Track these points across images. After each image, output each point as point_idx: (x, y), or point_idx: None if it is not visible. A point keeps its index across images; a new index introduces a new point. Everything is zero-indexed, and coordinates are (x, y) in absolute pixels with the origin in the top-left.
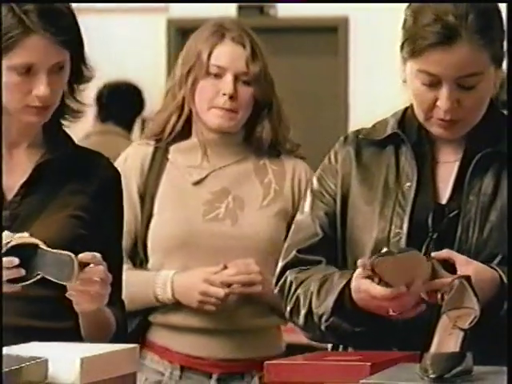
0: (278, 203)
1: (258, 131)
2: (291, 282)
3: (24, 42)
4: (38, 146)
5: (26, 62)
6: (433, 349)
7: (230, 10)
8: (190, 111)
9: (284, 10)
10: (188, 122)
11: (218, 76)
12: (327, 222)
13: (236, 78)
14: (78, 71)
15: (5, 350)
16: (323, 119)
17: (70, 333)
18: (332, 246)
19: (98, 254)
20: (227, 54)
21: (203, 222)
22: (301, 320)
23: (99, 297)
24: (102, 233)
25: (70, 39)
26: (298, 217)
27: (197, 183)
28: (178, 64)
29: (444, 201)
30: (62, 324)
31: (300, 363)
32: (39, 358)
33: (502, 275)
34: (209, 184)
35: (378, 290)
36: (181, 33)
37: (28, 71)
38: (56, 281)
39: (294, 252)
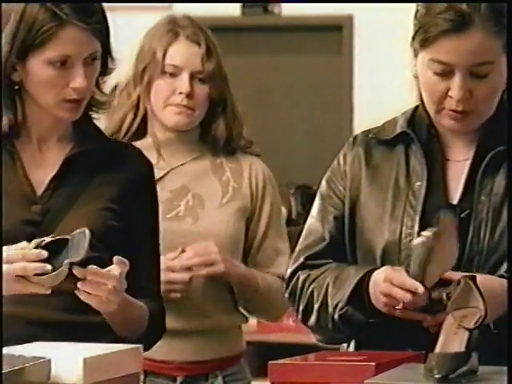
0: (237, 201)
1: (213, 129)
2: (304, 280)
3: (58, 34)
4: (68, 140)
5: (62, 54)
6: (438, 349)
7: (234, 8)
8: (146, 110)
9: (288, 9)
10: (144, 121)
11: (173, 75)
12: (336, 226)
13: (192, 77)
14: (105, 63)
15: (7, 349)
16: (327, 118)
17: (104, 327)
18: (341, 249)
19: (127, 262)
20: (182, 53)
21: (163, 220)
22: (313, 317)
23: (108, 302)
24: (135, 224)
25: (101, 29)
26: (309, 221)
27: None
28: (133, 62)
29: (455, 201)
30: (94, 318)
31: (304, 363)
32: (42, 358)
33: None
34: (168, 182)
35: (403, 277)
36: None
37: (63, 64)
38: (68, 261)
39: (301, 259)
